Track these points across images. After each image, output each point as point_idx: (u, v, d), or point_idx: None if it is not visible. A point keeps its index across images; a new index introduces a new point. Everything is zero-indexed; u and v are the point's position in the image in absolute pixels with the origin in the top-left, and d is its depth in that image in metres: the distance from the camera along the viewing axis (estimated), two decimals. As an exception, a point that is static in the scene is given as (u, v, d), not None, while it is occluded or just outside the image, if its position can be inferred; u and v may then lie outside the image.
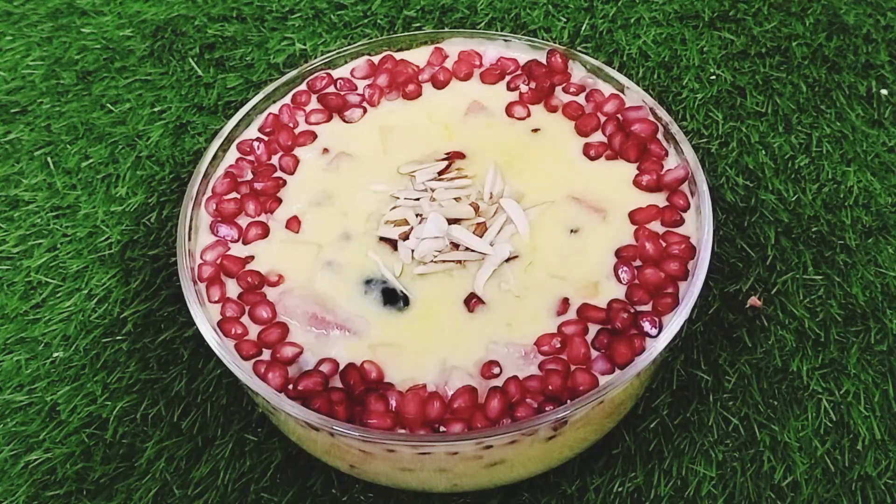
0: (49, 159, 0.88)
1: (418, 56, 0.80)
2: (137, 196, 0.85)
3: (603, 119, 0.74)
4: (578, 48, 0.93)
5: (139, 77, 0.94)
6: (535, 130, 0.74)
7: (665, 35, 0.95)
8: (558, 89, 0.76)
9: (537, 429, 0.58)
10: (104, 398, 0.73)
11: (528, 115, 0.75)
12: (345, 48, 0.79)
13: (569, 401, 0.59)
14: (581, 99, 0.76)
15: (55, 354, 0.75)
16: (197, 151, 0.88)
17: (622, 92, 0.75)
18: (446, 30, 0.87)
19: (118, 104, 0.92)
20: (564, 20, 0.97)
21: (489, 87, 0.77)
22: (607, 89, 0.76)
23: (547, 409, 0.59)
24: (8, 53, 0.97)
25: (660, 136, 0.72)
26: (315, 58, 0.90)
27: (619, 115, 0.74)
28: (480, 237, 0.67)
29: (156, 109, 0.92)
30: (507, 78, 0.78)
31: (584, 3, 0.99)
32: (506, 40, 0.79)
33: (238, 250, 0.69)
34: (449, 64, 0.79)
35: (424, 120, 0.76)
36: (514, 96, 0.76)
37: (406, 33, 0.83)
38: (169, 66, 0.95)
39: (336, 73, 0.79)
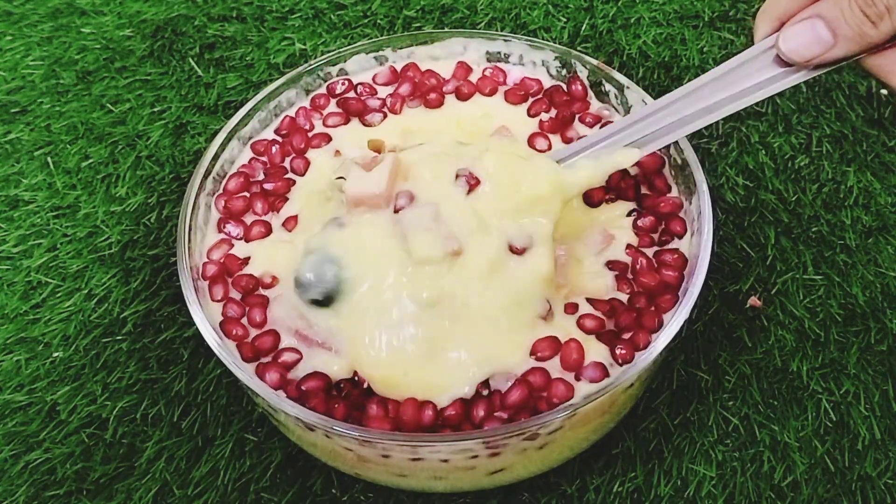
0: (49, 159, 0.88)
1: (440, 64, 0.80)
2: (137, 196, 0.85)
3: None
4: (578, 48, 0.93)
5: (139, 77, 0.94)
6: None
7: (665, 35, 0.95)
8: (576, 119, 0.76)
9: (508, 441, 0.58)
10: (104, 398, 0.73)
11: (549, 147, 0.74)
12: (345, 48, 0.79)
13: (542, 412, 0.59)
14: (590, 131, 0.75)
15: (55, 354, 0.75)
16: (197, 151, 0.88)
17: (622, 92, 0.75)
18: (446, 30, 0.87)
19: (118, 104, 0.92)
20: (564, 20, 0.97)
21: (512, 107, 0.77)
22: (619, 119, 0.75)
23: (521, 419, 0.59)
24: (8, 53, 0.97)
25: (667, 168, 0.72)
26: (315, 58, 0.90)
27: None
28: None
29: (156, 109, 0.92)
30: (530, 101, 0.77)
31: (584, 3, 0.99)
32: (506, 40, 0.79)
33: (240, 249, 0.69)
34: (473, 79, 0.79)
35: (452, 127, 0.75)
36: (535, 124, 0.75)
37: (406, 33, 0.83)
38: (169, 66, 0.95)
39: (356, 79, 0.79)
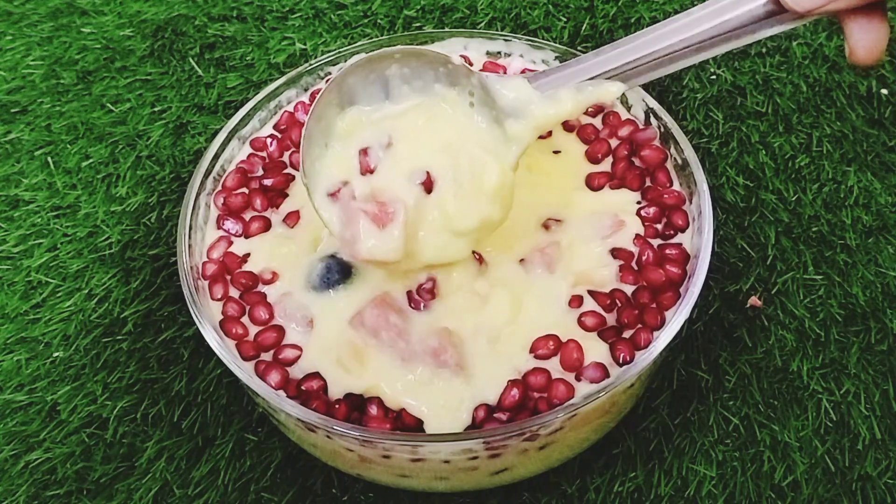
0: (49, 159, 0.88)
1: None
2: (137, 196, 0.85)
3: (615, 144, 0.73)
4: (579, 48, 0.93)
5: (139, 77, 0.94)
6: (556, 152, 0.73)
7: (665, 35, 0.95)
8: None
9: (508, 442, 0.59)
10: (104, 398, 0.73)
11: (549, 133, 0.74)
12: (345, 48, 0.79)
13: (542, 412, 0.59)
14: (598, 121, 0.75)
15: (55, 354, 0.75)
16: (197, 151, 0.88)
17: (628, 106, 0.75)
18: (446, 30, 0.87)
19: (118, 104, 0.92)
20: (565, 20, 0.97)
21: None
22: (624, 112, 0.75)
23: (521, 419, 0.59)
24: (8, 53, 0.97)
25: (668, 164, 0.72)
26: (315, 58, 0.90)
27: (631, 141, 0.73)
28: None
29: (156, 109, 0.92)
30: None
31: (585, 3, 0.99)
32: (506, 40, 0.79)
33: (239, 246, 0.69)
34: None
35: None
36: None
37: (406, 33, 0.82)
38: (169, 66, 0.95)
39: None
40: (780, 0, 0.56)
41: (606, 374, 0.61)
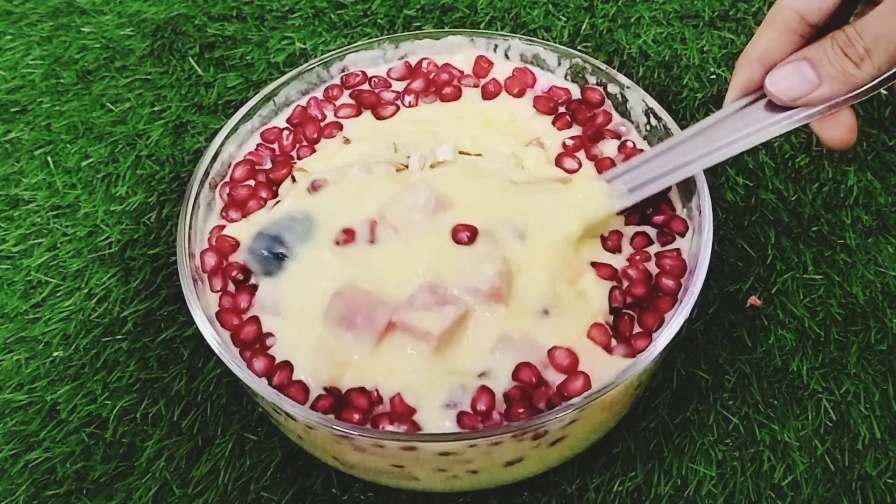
0: (49, 158, 0.88)
1: (459, 60, 0.79)
2: (137, 195, 0.85)
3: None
4: (578, 47, 0.93)
5: (139, 76, 0.94)
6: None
7: (665, 34, 0.95)
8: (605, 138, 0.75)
9: (508, 442, 0.58)
10: (104, 397, 0.73)
11: (580, 166, 0.72)
12: (345, 47, 0.79)
13: (542, 412, 0.59)
14: (614, 149, 0.74)
15: (55, 354, 0.75)
16: (197, 151, 0.88)
17: (622, 91, 0.75)
18: (446, 29, 0.87)
19: (118, 103, 0.92)
20: (564, 19, 0.97)
21: (540, 116, 0.75)
22: (640, 142, 0.74)
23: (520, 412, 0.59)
24: (8, 53, 0.97)
25: (671, 193, 0.71)
26: (315, 57, 0.90)
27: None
28: None
29: (156, 109, 0.92)
30: (560, 109, 0.76)
31: (584, 3, 0.99)
32: (505, 39, 0.79)
33: (233, 229, 0.69)
34: (500, 78, 0.78)
35: (481, 124, 0.75)
36: (562, 136, 0.74)
37: (406, 32, 0.82)
38: (169, 66, 0.95)
39: (371, 72, 0.79)
40: (769, 95, 0.60)
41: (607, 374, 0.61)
